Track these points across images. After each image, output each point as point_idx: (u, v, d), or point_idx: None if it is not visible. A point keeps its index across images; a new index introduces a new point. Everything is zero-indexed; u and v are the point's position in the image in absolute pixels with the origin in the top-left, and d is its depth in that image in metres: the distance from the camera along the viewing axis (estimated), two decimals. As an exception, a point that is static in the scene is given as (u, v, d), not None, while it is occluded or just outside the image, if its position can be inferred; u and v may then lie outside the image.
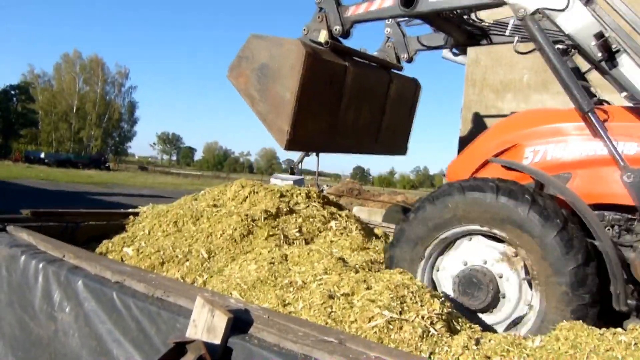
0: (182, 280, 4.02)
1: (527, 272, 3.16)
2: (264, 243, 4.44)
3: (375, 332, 2.80)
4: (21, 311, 3.21)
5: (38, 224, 4.43)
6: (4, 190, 19.98)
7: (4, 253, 3.44)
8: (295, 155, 17.46)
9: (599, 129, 3.12)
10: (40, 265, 3.18)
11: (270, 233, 4.57)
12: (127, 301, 2.71)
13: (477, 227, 3.24)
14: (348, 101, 4.58)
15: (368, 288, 3.22)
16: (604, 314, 3.03)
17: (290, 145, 4.28)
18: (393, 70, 5.18)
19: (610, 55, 3.16)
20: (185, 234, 4.78)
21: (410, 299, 3.04)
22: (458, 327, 2.97)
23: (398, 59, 5.08)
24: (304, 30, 4.46)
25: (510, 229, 3.08)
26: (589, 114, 3.12)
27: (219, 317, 2.29)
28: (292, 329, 2.39)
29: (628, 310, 2.93)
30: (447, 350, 2.69)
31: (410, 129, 5.58)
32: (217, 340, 2.28)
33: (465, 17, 4.51)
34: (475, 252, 3.35)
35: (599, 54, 3.17)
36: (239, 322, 2.38)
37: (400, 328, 2.81)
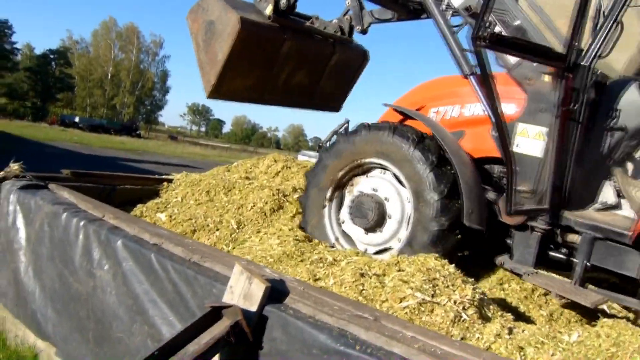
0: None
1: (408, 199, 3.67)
2: (288, 220, 4.47)
3: (407, 313, 2.78)
4: (62, 266, 3.31)
5: (77, 184, 4.52)
6: (40, 152, 20.45)
7: (47, 209, 3.53)
8: (323, 134, 17.49)
9: (477, 91, 3.35)
10: (81, 224, 3.26)
11: (299, 210, 4.59)
12: (165, 263, 2.77)
13: (374, 160, 3.81)
14: (280, 66, 5.09)
15: (400, 270, 3.22)
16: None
17: (212, 95, 4.87)
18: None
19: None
20: (216, 203, 4.84)
21: (442, 282, 3.01)
22: (490, 315, 2.92)
23: (352, 29, 5.45)
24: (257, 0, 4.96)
25: (397, 162, 3.65)
26: (469, 77, 3.38)
27: (257, 285, 2.32)
28: (328, 302, 2.40)
29: (481, 231, 3.47)
30: (478, 337, 2.65)
31: (347, 93, 6.20)
32: (254, 308, 2.32)
33: None
34: (368, 183, 3.92)
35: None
36: (275, 292, 2.41)
37: (432, 311, 2.79)
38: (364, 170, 3.98)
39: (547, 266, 3.69)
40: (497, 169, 3.82)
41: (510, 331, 2.70)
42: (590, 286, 3.38)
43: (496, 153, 3.57)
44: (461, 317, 2.76)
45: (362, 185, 3.97)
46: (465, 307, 2.81)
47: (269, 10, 4.84)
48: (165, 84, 76.39)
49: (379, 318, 2.33)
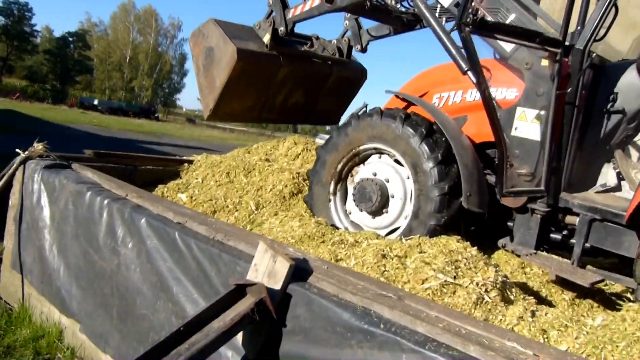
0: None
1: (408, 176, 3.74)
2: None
3: (429, 294, 2.78)
4: (86, 244, 3.35)
5: (100, 164, 4.58)
6: (61, 134, 20.67)
7: (71, 188, 3.57)
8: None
9: (477, 84, 3.38)
10: (105, 202, 3.29)
11: None
12: (189, 241, 2.78)
13: (368, 145, 3.90)
14: (277, 89, 5.33)
15: (421, 252, 3.21)
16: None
17: (210, 118, 5.20)
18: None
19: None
20: (236, 185, 4.86)
21: (465, 264, 3.00)
22: (512, 297, 2.90)
23: (350, 49, 5.65)
24: (256, 25, 5.14)
25: (390, 142, 3.73)
26: (468, 72, 3.36)
27: (281, 262, 2.32)
28: (351, 281, 2.40)
29: (481, 213, 3.55)
30: (501, 320, 2.64)
31: (346, 107, 6.43)
32: (278, 286, 2.32)
33: (395, 4, 4.87)
34: (367, 170, 4.00)
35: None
36: (299, 271, 2.41)
37: (454, 292, 2.78)
38: (361, 159, 4.08)
39: (550, 248, 3.72)
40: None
41: (533, 314, 2.68)
42: (589, 267, 3.42)
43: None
44: (483, 299, 2.75)
45: (361, 173, 4.08)
46: (488, 290, 2.80)
47: (266, 39, 5.06)
48: (183, 67, 76.37)
49: (402, 297, 2.32)
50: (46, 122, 26.37)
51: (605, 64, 3.50)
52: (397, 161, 3.85)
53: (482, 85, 3.04)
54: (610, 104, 3.35)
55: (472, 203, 3.54)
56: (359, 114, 3.99)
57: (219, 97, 5.04)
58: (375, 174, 3.95)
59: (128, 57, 70.07)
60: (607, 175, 3.53)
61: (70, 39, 68.43)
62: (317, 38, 5.68)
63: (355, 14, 5.25)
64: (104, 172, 4.14)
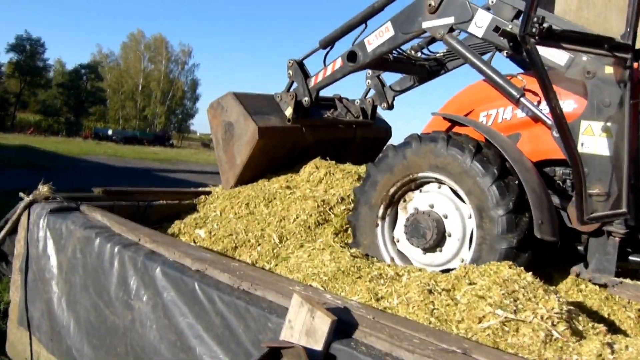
0: (253, 266, 3.78)
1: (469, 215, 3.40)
2: (334, 235, 4.13)
3: (489, 335, 2.44)
4: (96, 296, 3.03)
5: (110, 203, 4.31)
6: (75, 166, 20.64)
7: (79, 234, 3.26)
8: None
9: (533, 109, 3.42)
10: (116, 249, 2.98)
11: (347, 225, 4.24)
12: (210, 293, 2.44)
13: (428, 174, 3.55)
14: (301, 156, 5.19)
15: (471, 283, 2.86)
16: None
17: (231, 189, 5.06)
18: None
19: (516, 42, 3.28)
20: (257, 216, 4.53)
21: (523, 295, 2.65)
22: (581, 328, 2.56)
23: (375, 109, 5.66)
24: (278, 97, 5.07)
25: (455, 176, 3.37)
26: (521, 99, 3.45)
27: (321, 319, 1.96)
28: (405, 334, 2.03)
29: (554, 242, 3.18)
30: (576, 359, 2.28)
31: (374, 159, 6.31)
32: (318, 346, 1.96)
33: (417, 53, 4.95)
34: (423, 199, 3.63)
35: (509, 44, 3.38)
36: (342, 324, 2.06)
37: (517, 330, 2.44)
38: (418, 184, 3.68)
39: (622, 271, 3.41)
40: (559, 171, 3.54)
41: (612, 349, 2.34)
42: None
43: (557, 154, 3.33)
44: (552, 335, 2.39)
45: (416, 201, 3.67)
46: (555, 323, 2.45)
47: (288, 112, 4.99)
48: (195, 92, 77.03)
49: (468, 351, 1.95)
50: (60, 155, 26.48)
51: None
52: (458, 194, 3.48)
53: (552, 101, 2.76)
54: None
55: (545, 232, 3.15)
56: (421, 136, 3.60)
57: (240, 174, 5.00)
58: (432, 207, 3.55)
59: (140, 86, 70.87)
60: None
61: (83, 71, 69.48)
62: (340, 99, 5.68)
63: (378, 69, 5.19)
64: (115, 211, 3.87)
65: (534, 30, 2.54)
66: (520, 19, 3.55)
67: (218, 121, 5.07)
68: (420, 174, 3.57)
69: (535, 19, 2.53)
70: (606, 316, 3.20)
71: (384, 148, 3.87)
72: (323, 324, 1.96)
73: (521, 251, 3.16)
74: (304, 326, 2.00)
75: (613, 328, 3.01)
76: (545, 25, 2.54)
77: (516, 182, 3.24)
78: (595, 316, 3.12)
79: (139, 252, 2.91)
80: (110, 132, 57.64)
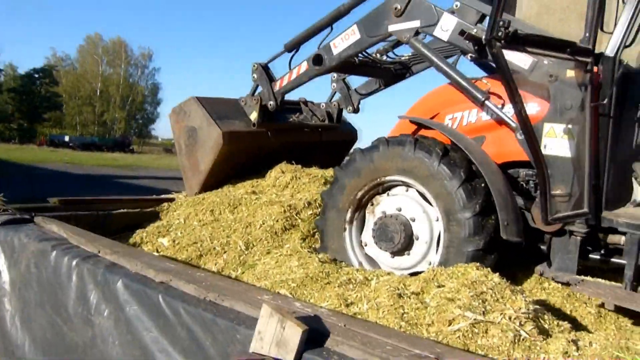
0: (220, 275, 3.69)
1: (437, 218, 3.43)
2: (301, 240, 4.10)
3: (459, 337, 2.46)
4: (53, 313, 2.88)
5: (68, 213, 4.15)
6: (29, 174, 19.89)
7: (33, 248, 3.10)
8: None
9: (498, 112, 3.44)
10: (74, 262, 2.84)
11: (314, 229, 4.19)
12: (176, 305, 2.34)
13: (396, 177, 3.54)
14: (266, 160, 5.15)
15: (440, 285, 2.87)
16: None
17: (195, 195, 4.99)
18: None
19: (481, 46, 3.46)
20: (222, 223, 4.45)
21: (491, 296, 2.70)
22: (547, 327, 2.63)
23: (341, 112, 5.62)
24: (242, 101, 4.99)
25: (422, 179, 3.38)
26: (485, 102, 3.46)
27: (292, 329, 1.90)
28: (377, 341, 1.99)
29: (519, 242, 3.26)
30: (544, 358, 2.34)
31: (340, 163, 6.39)
32: (290, 357, 1.90)
33: (382, 57, 4.94)
34: (391, 203, 3.62)
35: (474, 47, 3.54)
36: (312, 333, 2.00)
37: (486, 332, 2.46)
38: (385, 188, 3.70)
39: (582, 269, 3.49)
40: (522, 173, 3.63)
41: (577, 346, 2.41)
42: None
43: (521, 156, 3.37)
44: (520, 335, 2.43)
45: (384, 204, 3.68)
46: (522, 323, 2.50)
47: (253, 117, 4.91)
48: (157, 96, 75.49)
49: (441, 355, 1.93)
50: (13, 163, 25.46)
51: (631, 70, 3.29)
52: (426, 197, 3.49)
53: (518, 105, 2.80)
54: None
55: (511, 233, 3.22)
56: (388, 139, 3.58)
57: (204, 181, 4.92)
58: (400, 210, 3.55)
59: (98, 90, 68.99)
60: None
61: (36, 76, 67.00)
62: (305, 103, 5.63)
63: (344, 72, 5.19)
64: (73, 222, 3.71)
65: (500, 34, 2.55)
66: (486, 23, 3.61)
67: (181, 127, 4.97)
68: (388, 178, 3.57)
69: (501, 23, 2.54)
70: (569, 313, 3.30)
71: (351, 151, 3.87)
72: (294, 334, 1.90)
73: (488, 253, 3.21)
74: (274, 337, 1.94)
75: (575, 324, 3.09)
76: (510, 29, 2.56)
77: (482, 184, 3.28)
78: (559, 313, 3.20)
79: (99, 264, 2.78)
80: (67, 138, 55.96)
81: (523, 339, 2.40)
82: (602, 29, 3.11)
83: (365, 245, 3.75)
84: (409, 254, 3.52)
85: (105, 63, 69.76)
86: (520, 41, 2.67)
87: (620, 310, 3.02)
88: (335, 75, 5.33)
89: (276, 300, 2.30)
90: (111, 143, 58.98)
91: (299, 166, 5.04)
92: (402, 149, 3.43)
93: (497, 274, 2.90)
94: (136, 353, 2.44)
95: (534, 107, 3.30)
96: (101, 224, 4.39)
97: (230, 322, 2.17)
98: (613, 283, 3.27)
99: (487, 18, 3.61)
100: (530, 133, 2.93)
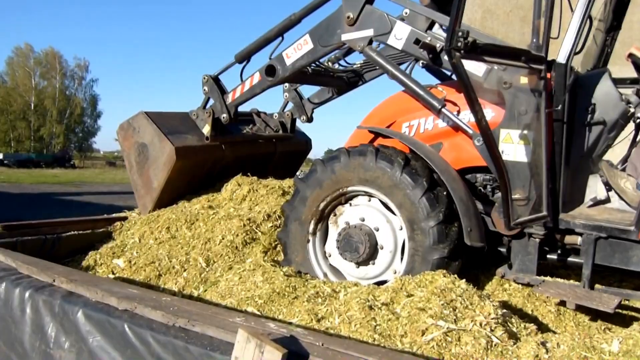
0: (181, 295, 3.58)
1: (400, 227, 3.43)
2: (264, 253, 4.05)
3: (433, 347, 2.47)
4: (7, 348, 2.69)
5: (13, 240, 3.94)
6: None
7: (-20, 280, 2.89)
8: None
9: (454, 119, 3.47)
10: (27, 294, 2.67)
11: (275, 242, 4.14)
12: (144, 334, 2.24)
13: (358, 188, 3.52)
14: (221, 174, 5.10)
15: (409, 295, 2.88)
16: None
17: (149, 213, 4.83)
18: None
19: (435, 54, 3.56)
20: (180, 240, 4.34)
21: (461, 303, 2.74)
22: (514, 330, 2.68)
23: (294, 122, 5.63)
24: (193, 114, 4.91)
25: (385, 189, 3.38)
26: (442, 109, 3.49)
27: (271, 353, 1.85)
28: (358, 359, 1.96)
29: (481, 247, 3.32)
30: None
31: (295, 173, 6.43)
32: (270, 383, 1.84)
33: (335, 65, 4.95)
34: (354, 213, 3.62)
35: (429, 56, 3.58)
36: (291, 355, 1.94)
37: (459, 340, 2.49)
38: (347, 198, 3.68)
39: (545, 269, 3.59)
40: (480, 178, 3.67)
41: (546, 348, 2.45)
42: (597, 286, 3.29)
43: (479, 162, 3.44)
44: (492, 341, 2.47)
45: (347, 215, 3.67)
46: (492, 328, 2.55)
47: (206, 130, 4.83)
48: (96, 108, 72.74)
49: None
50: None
51: (578, 75, 3.38)
52: (388, 206, 3.48)
53: (478, 113, 2.84)
54: (590, 115, 3.23)
55: (474, 238, 3.27)
56: (349, 150, 3.55)
57: (158, 198, 4.78)
58: (363, 220, 3.54)
59: (33, 104, 65.96)
60: (596, 188, 3.39)
61: (-37, 91, 63.54)
62: (258, 114, 5.58)
63: (297, 82, 5.15)
64: (19, 249, 3.50)
65: (459, 44, 2.57)
66: (436, 29, 3.66)
67: (130, 143, 4.81)
68: (350, 188, 3.56)
69: (460, 34, 2.57)
70: (530, 312, 3.38)
71: (313, 163, 3.81)
72: (274, 358, 1.85)
73: (452, 260, 3.25)
74: (253, 362, 1.87)
75: (538, 323, 3.15)
76: (469, 39, 2.59)
77: (444, 192, 3.32)
78: (522, 314, 3.27)
79: (55, 294, 2.62)
80: (0, 156, 53.20)
81: (495, 345, 2.44)
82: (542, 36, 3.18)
83: (329, 256, 3.73)
84: (374, 264, 3.51)
85: (39, 75, 66.77)
86: (479, 50, 2.70)
87: (578, 308, 3.10)
88: (287, 84, 5.30)
89: (249, 322, 2.24)
90: (50, 159, 56.43)
91: (255, 178, 4.97)
92: (363, 159, 3.42)
93: (464, 280, 2.94)
94: (102, 387, 2.31)
95: (489, 113, 3.34)
96: (50, 249, 4.19)
97: (203, 348, 2.09)
98: (572, 282, 3.38)
99: (436, 25, 3.68)
100: (490, 140, 2.98)
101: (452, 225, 3.27)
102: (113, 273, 4.11)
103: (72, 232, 4.55)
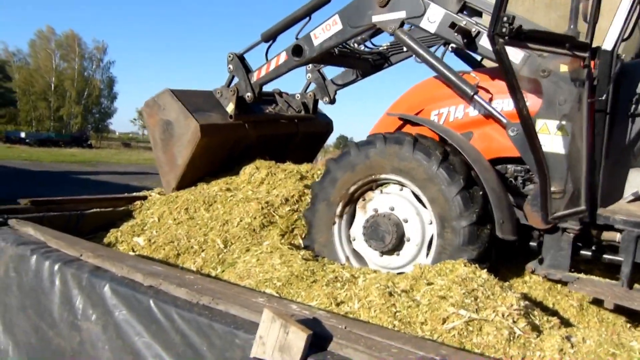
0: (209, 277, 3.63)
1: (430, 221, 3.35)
2: (281, 236, 4.06)
3: (454, 336, 2.44)
4: (37, 318, 2.78)
5: (40, 215, 4.03)
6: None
7: (11, 252, 2.98)
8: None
9: (487, 107, 3.39)
10: (56, 267, 2.74)
11: (292, 225, 4.16)
12: (169, 310, 2.29)
13: (391, 177, 3.45)
14: (243, 154, 5.12)
15: (429, 283, 2.86)
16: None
17: (173, 192, 4.87)
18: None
19: (470, 38, 3.46)
20: (198, 221, 4.38)
21: (482, 293, 2.69)
22: (537, 323, 2.61)
23: (316, 103, 5.55)
24: (217, 93, 4.92)
25: (419, 181, 3.30)
26: (474, 97, 3.42)
27: (296, 334, 1.88)
28: (382, 344, 1.98)
29: (512, 241, 3.20)
30: (540, 355, 2.31)
31: (316, 154, 6.57)
32: (293, 362, 1.88)
33: (361, 47, 4.86)
34: (384, 201, 3.53)
35: (463, 40, 3.48)
36: (314, 337, 1.97)
37: (480, 329, 2.45)
38: (378, 185, 3.60)
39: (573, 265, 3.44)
40: (511, 169, 3.56)
41: (571, 343, 2.38)
42: (636, 285, 3.10)
43: (510, 152, 3.34)
44: (514, 332, 2.42)
45: (376, 201, 3.57)
46: (515, 320, 2.49)
47: (230, 109, 4.84)
48: (112, 90, 73.42)
49: (448, 358, 1.92)
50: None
51: (623, 64, 3.19)
52: (420, 198, 3.40)
53: (520, 102, 2.68)
54: (634, 106, 3.07)
55: (506, 231, 3.15)
56: (386, 136, 3.42)
57: (182, 176, 4.79)
58: (392, 209, 3.46)
59: (53, 85, 66.63)
60: (637, 183, 3.21)
61: (-12, 71, 64.33)
62: (280, 94, 5.53)
63: (322, 63, 5.08)
64: (45, 223, 3.58)
65: (504, 30, 2.47)
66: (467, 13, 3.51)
67: (155, 120, 4.82)
68: (383, 176, 3.50)
69: (505, 19, 2.46)
70: (551, 306, 3.30)
71: (346, 145, 3.76)
72: (298, 339, 1.88)
73: (480, 262, 3.11)
74: (278, 342, 1.91)
75: (559, 317, 3.06)
76: (515, 25, 2.48)
77: (480, 192, 3.21)
78: (541, 307, 3.18)
79: (82, 268, 2.69)
80: (23, 134, 53.80)
81: (517, 337, 2.39)
82: (585, 20, 3.03)
83: (354, 240, 3.68)
84: (398, 255, 3.45)
85: (59, 57, 67.39)
86: (523, 37, 2.59)
87: (599, 303, 3.02)
88: (310, 65, 5.23)
89: (272, 303, 2.28)
90: (68, 138, 57.19)
91: (273, 162, 4.99)
92: (399, 148, 3.34)
93: (485, 270, 2.88)
94: (128, 358, 2.37)
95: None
96: (74, 225, 4.26)
97: (227, 326, 2.13)
98: (609, 280, 3.21)
99: (467, 7, 3.56)
100: (532, 130, 2.82)
101: (485, 227, 3.17)
102: (133, 250, 4.18)
103: (94, 210, 4.62)
